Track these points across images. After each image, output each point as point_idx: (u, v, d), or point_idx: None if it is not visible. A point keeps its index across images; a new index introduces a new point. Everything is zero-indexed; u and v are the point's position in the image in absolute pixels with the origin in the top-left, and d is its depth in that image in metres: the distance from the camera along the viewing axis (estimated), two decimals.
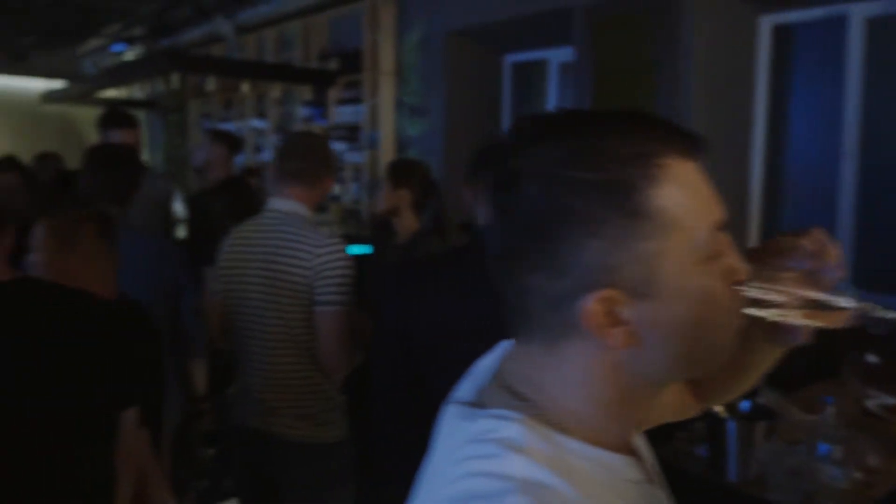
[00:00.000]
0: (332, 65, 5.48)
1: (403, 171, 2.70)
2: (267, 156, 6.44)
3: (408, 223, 2.63)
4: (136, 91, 8.25)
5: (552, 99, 4.41)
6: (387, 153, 5.04)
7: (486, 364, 0.75)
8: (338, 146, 5.71)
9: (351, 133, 5.51)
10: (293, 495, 2.05)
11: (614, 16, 3.42)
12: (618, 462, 0.64)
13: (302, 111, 5.90)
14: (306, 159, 2.02)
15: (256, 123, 6.58)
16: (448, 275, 1.58)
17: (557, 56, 4.31)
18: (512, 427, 0.60)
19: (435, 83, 4.64)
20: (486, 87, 4.72)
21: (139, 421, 1.57)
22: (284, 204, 2.01)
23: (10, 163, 2.85)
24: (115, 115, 3.10)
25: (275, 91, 6.25)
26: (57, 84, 8.20)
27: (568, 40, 3.70)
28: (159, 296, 2.22)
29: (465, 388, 0.74)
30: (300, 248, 1.94)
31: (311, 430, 2.02)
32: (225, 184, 3.02)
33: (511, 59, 4.69)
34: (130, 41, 6.84)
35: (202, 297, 2.40)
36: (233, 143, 3.55)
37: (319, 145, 2.13)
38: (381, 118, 5.03)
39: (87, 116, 9.70)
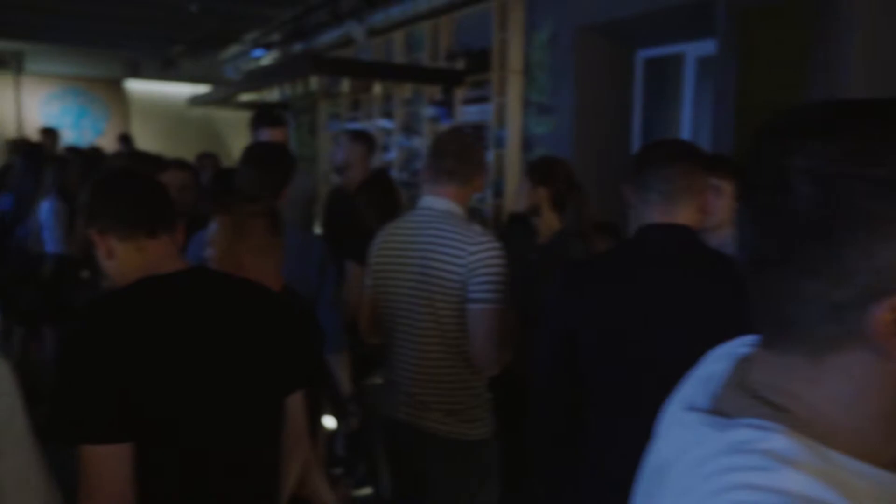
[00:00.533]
0: (460, 64, 5.50)
1: (544, 170, 2.65)
2: (393, 155, 6.58)
3: (549, 222, 2.58)
4: (269, 94, 8.64)
5: (688, 95, 4.22)
6: (513, 152, 5.01)
7: (714, 370, 0.69)
8: None
9: (476, 132, 5.51)
10: (440, 489, 2.05)
11: (763, 3, 3.22)
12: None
13: (428, 111, 5.97)
14: (460, 158, 2.02)
15: (383, 123, 6.72)
16: (616, 275, 1.53)
17: (695, 50, 4.12)
18: (777, 438, 0.56)
19: (563, 81, 4.55)
20: (617, 84, 4.58)
21: (303, 409, 1.61)
22: (438, 202, 2.02)
23: (183, 163, 3.02)
24: (266, 114, 3.23)
25: (403, 91, 6.36)
26: (202, 88, 8.73)
27: (708, 33, 3.52)
28: (302, 288, 2.27)
29: (693, 393, 0.69)
30: (454, 245, 1.94)
31: (459, 427, 2.01)
32: (368, 181, 3.08)
33: (644, 54, 4.53)
34: (268, 46, 7.16)
35: (342, 291, 2.43)
36: (371, 142, 3.63)
37: (472, 144, 2.12)
38: (508, 117, 5.00)
39: (226, 118, 10.29)
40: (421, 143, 6.29)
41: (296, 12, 6.22)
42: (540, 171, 2.64)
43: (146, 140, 8.86)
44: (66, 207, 3.97)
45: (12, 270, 4.25)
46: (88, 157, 5.12)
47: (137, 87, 10.17)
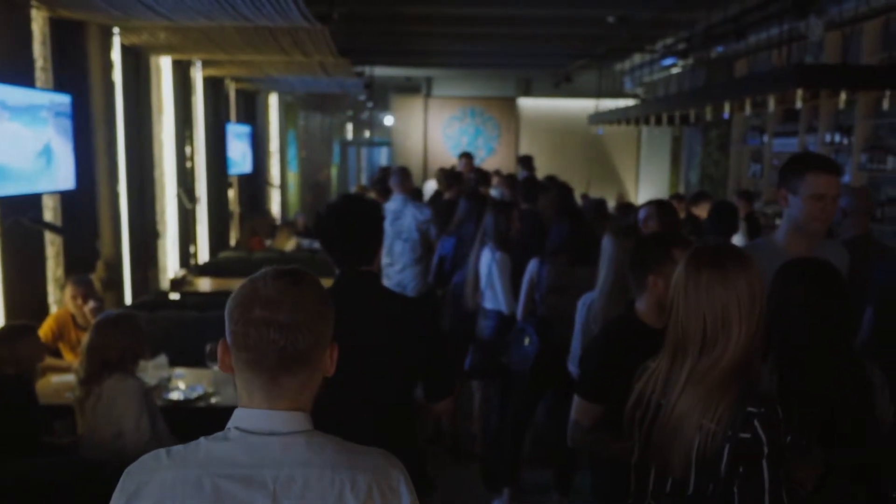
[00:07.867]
0: None
1: None
2: (847, 179, 5.00)
3: None
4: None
5: None
6: None
7: None
8: None
9: None
10: None
11: None
12: None
13: None
14: None
15: (836, 138, 5.19)
16: None
17: None
18: None
19: None
20: None
21: None
22: None
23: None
24: (815, 157, 2.24)
25: (869, 98, 4.78)
26: (593, 104, 8.05)
27: None
28: None
29: None
30: None
31: None
32: None
33: None
34: (681, 54, 6.11)
35: None
36: None
37: None
38: None
39: (614, 133, 9.48)
40: None
41: (728, 13, 5.06)
42: None
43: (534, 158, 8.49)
44: (509, 259, 3.42)
45: (450, 323, 3.87)
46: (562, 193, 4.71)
47: (528, 104, 9.97)
